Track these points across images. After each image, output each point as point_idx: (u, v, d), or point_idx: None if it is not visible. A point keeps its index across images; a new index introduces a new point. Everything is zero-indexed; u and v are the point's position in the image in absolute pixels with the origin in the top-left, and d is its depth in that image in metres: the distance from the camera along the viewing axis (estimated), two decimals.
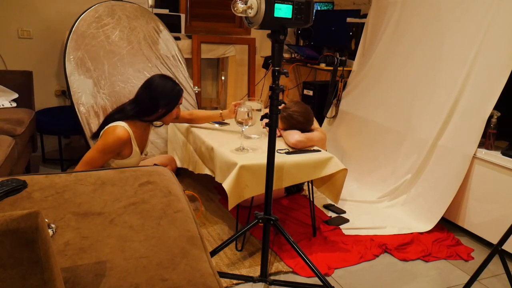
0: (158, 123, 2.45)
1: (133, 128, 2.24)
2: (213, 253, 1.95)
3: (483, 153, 2.41)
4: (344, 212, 2.73)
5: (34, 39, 3.71)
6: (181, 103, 2.36)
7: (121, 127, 2.16)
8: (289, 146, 2.37)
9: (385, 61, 3.22)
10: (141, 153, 2.40)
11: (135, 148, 2.26)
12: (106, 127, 2.21)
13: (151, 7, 3.59)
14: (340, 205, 2.80)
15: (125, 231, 1.28)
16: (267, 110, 1.75)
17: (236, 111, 2.18)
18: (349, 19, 3.87)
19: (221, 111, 2.62)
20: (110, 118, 2.27)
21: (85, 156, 2.15)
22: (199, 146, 2.46)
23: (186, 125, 2.70)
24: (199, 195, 2.87)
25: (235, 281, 1.95)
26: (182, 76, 3.31)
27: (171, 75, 3.24)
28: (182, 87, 2.37)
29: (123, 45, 3.04)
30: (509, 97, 2.39)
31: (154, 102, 2.24)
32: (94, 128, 2.79)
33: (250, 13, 1.57)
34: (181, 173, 3.08)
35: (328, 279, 2.03)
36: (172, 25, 3.61)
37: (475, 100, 2.48)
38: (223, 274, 1.94)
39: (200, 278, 1.12)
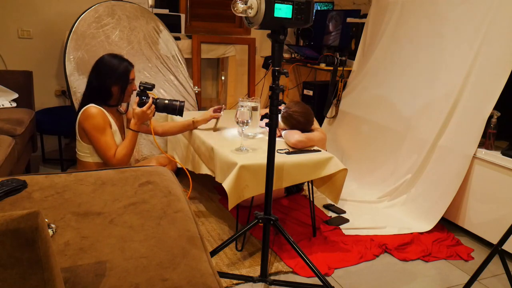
0: (123, 108, 2.40)
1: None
2: (213, 253, 1.95)
3: (483, 153, 2.41)
4: (344, 212, 2.73)
5: (34, 39, 3.71)
6: (133, 78, 2.27)
7: (88, 107, 2.15)
8: (289, 146, 2.37)
9: (385, 61, 3.22)
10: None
11: (114, 125, 2.24)
12: (78, 118, 2.20)
13: (151, 7, 3.59)
14: (340, 205, 2.80)
15: (125, 231, 1.28)
16: (266, 110, 1.75)
17: (236, 111, 2.18)
18: (349, 19, 3.88)
19: (193, 118, 2.54)
20: (77, 111, 2.25)
21: (98, 146, 2.14)
22: (199, 146, 2.46)
23: None
24: (198, 195, 2.87)
25: (235, 281, 1.95)
26: (182, 76, 3.31)
27: (171, 75, 3.25)
28: (131, 63, 2.26)
29: (123, 45, 3.04)
30: (509, 97, 2.39)
31: (104, 82, 2.18)
32: None
33: (250, 13, 1.57)
34: (181, 173, 3.08)
35: (328, 279, 2.03)
36: (172, 25, 3.61)
37: (475, 100, 2.48)
38: (223, 274, 1.94)
39: (200, 278, 1.12)
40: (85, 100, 2.23)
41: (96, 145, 2.16)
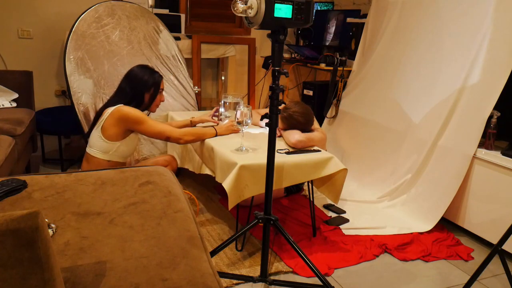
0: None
1: None
2: (213, 253, 1.95)
3: (483, 153, 2.41)
4: (344, 212, 2.73)
5: (34, 39, 3.71)
6: (163, 89, 2.42)
7: (120, 106, 2.24)
8: (289, 146, 2.37)
9: (385, 61, 3.22)
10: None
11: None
12: (108, 112, 2.24)
13: (151, 7, 3.59)
14: (340, 205, 2.80)
15: (125, 231, 1.28)
16: (266, 110, 1.75)
17: (236, 111, 2.17)
18: (349, 19, 3.88)
19: (191, 118, 2.62)
20: (100, 111, 2.32)
21: (152, 133, 2.23)
22: (199, 146, 2.46)
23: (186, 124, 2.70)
24: (198, 195, 2.87)
25: (235, 281, 1.95)
26: (182, 76, 3.31)
27: (171, 75, 3.25)
28: (161, 74, 2.42)
29: (123, 45, 3.04)
30: (509, 97, 2.39)
31: (137, 92, 2.31)
32: None
33: (250, 13, 1.57)
34: (181, 173, 3.08)
35: (328, 279, 2.03)
36: (172, 25, 3.61)
37: (475, 100, 2.48)
38: (223, 274, 1.94)
39: (200, 278, 1.12)
40: (115, 103, 2.30)
41: (150, 133, 2.25)
